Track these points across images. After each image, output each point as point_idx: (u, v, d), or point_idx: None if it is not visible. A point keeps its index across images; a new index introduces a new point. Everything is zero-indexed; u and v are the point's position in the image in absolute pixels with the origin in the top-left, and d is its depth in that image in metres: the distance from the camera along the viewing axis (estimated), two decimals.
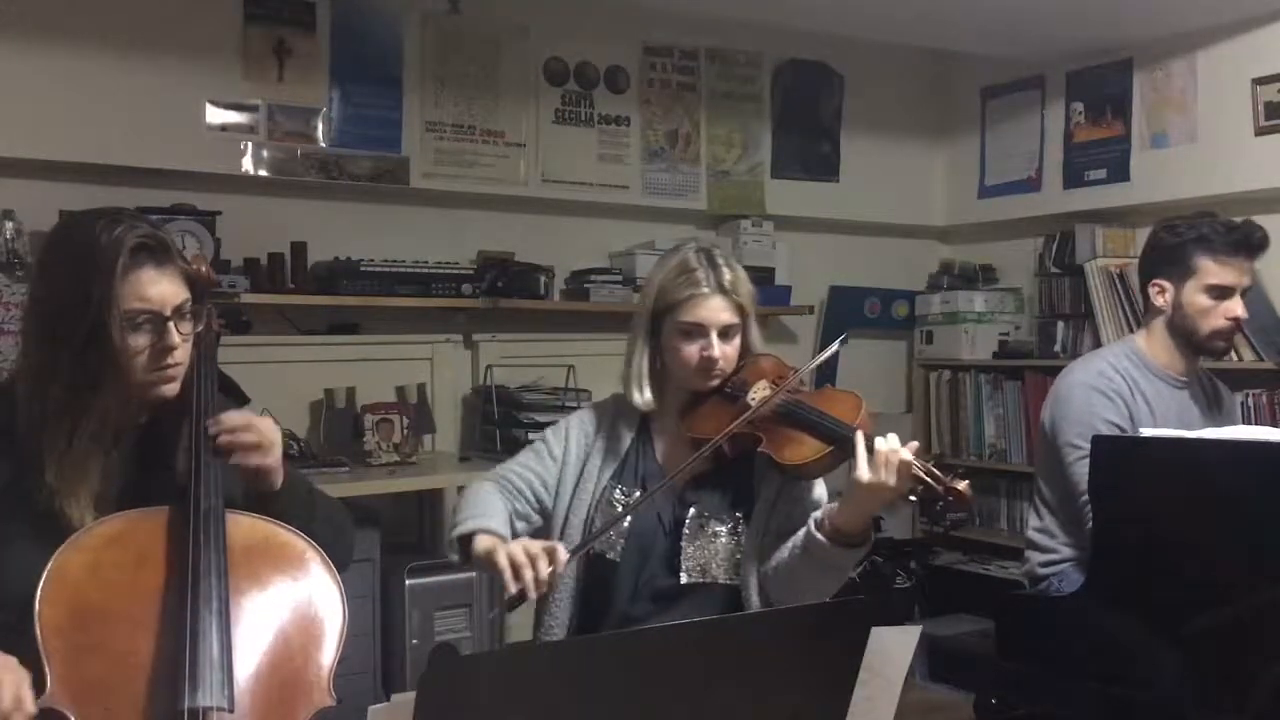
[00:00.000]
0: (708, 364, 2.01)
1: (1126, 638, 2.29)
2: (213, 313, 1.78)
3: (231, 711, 1.44)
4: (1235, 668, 2.13)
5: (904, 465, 1.79)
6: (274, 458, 1.70)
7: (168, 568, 1.56)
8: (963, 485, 1.79)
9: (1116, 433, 2.53)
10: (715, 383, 2.04)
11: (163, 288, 1.63)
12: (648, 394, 2.09)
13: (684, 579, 1.99)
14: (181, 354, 1.67)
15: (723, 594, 1.99)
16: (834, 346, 2.11)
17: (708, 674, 1.18)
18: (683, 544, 2.00)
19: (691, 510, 2.02)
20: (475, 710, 1.06)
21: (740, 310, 2.04)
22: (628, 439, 2.13)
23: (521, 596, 1.82)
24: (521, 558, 1.82)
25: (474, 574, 3.52)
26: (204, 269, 1.79)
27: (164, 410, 1.71)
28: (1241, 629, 2.13)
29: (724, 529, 2.01)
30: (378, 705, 1.08)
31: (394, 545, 3.55)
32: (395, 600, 3.41)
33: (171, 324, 1.63)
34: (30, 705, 1.39)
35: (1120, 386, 2.62)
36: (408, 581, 3.40)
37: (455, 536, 2.00)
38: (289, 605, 1.60)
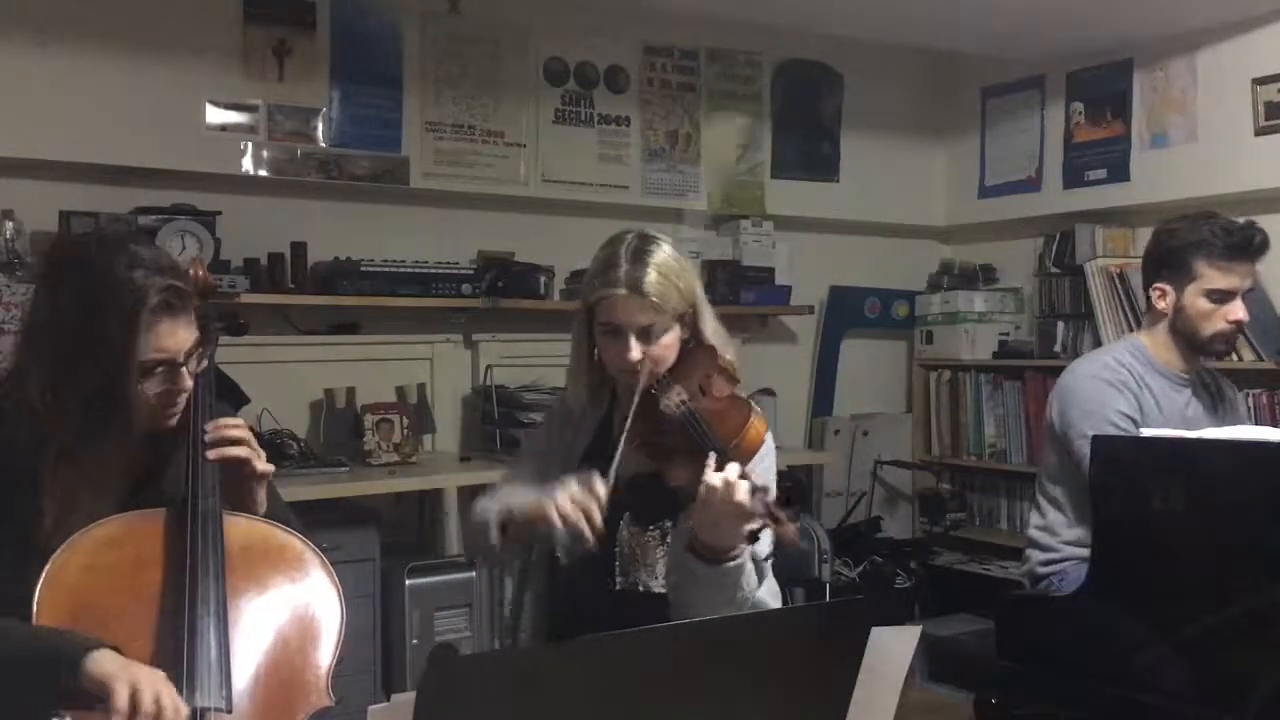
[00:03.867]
0: (627, 365, 1.93)
1: (1126, 637, 2.29)
2: (209, 319, 1.76)
3: (229, 712, 1.45)
4: (1235, 668, 2.13)
5: (738, 501, 1.70)
6: (265, 468, 1.70)
7: (165, 569, 1.56)
8: (792, 529, 1.70)
9: (1128, 423, 2.54)
10: (645, 381, 1.94)
11: (179, 337, 1.62)
12: (582, 392, 2.05)
13: (616, 586, 1.95)
14: (187, 386, 1.67)
15: (653, 602, 1.92)
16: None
17: (707, 674, 1.18)
18: (616, 549, 1.95)
19: (626, 514, 1.95)
20: (475, 710, 1.06)
21: (661, 310, 1.91)
22: (593, 426, 2.09)
23: (584, 546, 1.78)
24: (572, 511, 1.77)
25: (474, 574, 3.52)
26: (201, 273, 1.78)
27: (161, 437, 1.71)
28: (1242, 629, 2.13)
29: (651, 537, 1.96)
30: (378, 705, 1.08)
31: (394, 545, 3.55)
32: (395, 600, 3.41)
33: (184, 369, 1.64)
34: (185, 708, 1.40)
35: (1128, 379, 2.63)
36: (408, 581, 3.40)
37: (495, 527, 1.94)
38: (287, 606, 1.60)
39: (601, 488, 1.79)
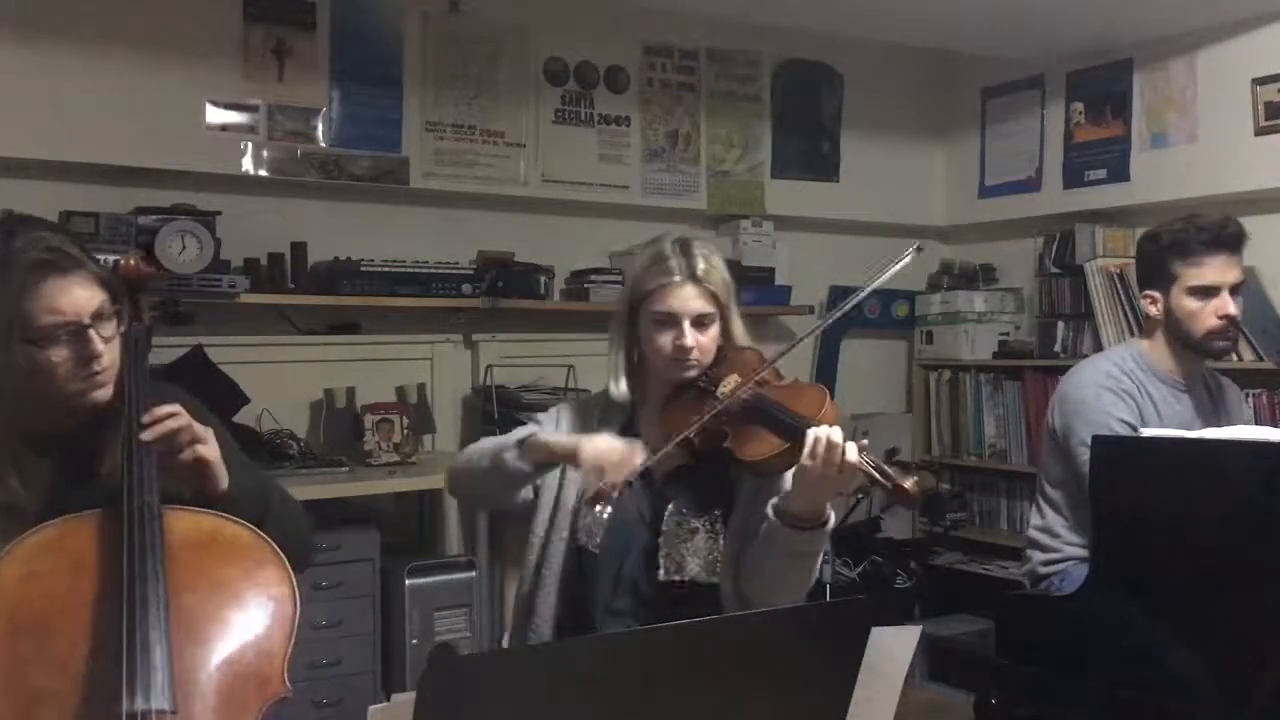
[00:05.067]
0: (681, 353, 2.00)
1: (1127, 637, 2.29)
2: (141, 307, 1.72)
3: (175, 712, 1.42)
4: (1235, 667, 2.13)
5: (844, 462, 1.78)
6: (206, 451, 1.66)
7: (104, 571, 1.53)
8: (909, 483, 1.77)
9: (1128, 431, 2.53)
10: (691, 373, 2.02)
11: (74, 296, 1.58)
12: (624, 386, 2.10)
13: (661, 575, 1.98)
14: (109, 358, 1.63)
15: (701, 593, 1.97)
16: (801, 338, 2.09)
17: (708, 674, 1.18)
18: (660, 540, 1.99)
19: (670, 506, 2.01)
20: (475, 710, 1.06)
21: (715, 299, 2.02)
22: (618, 422, 2.12)
23: (602, 497, 1.83)
24: (609, 457, 1.83)
25: (474, 574, 3.52)
26: (133, 262, 1.74)
27: (96, 417, 1.67)
28: (1242, 628, 2.13)
29: (701, 526, 2.00)
30: (377, 705, 1.08)
31: (394, 545, 3.55)
32: (395, 600, 3.41)
33: (92, 331, 1.60)
34: None
35: (1129, 386, 2.63)
36: (408, 581, 3.40)
37: (515, 441, 1.98)
38: (235, 598, 1.58)
39: (641, 455, 1.85)
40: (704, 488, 2.02)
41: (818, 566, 1.95)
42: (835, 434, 1.79)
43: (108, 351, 1.63)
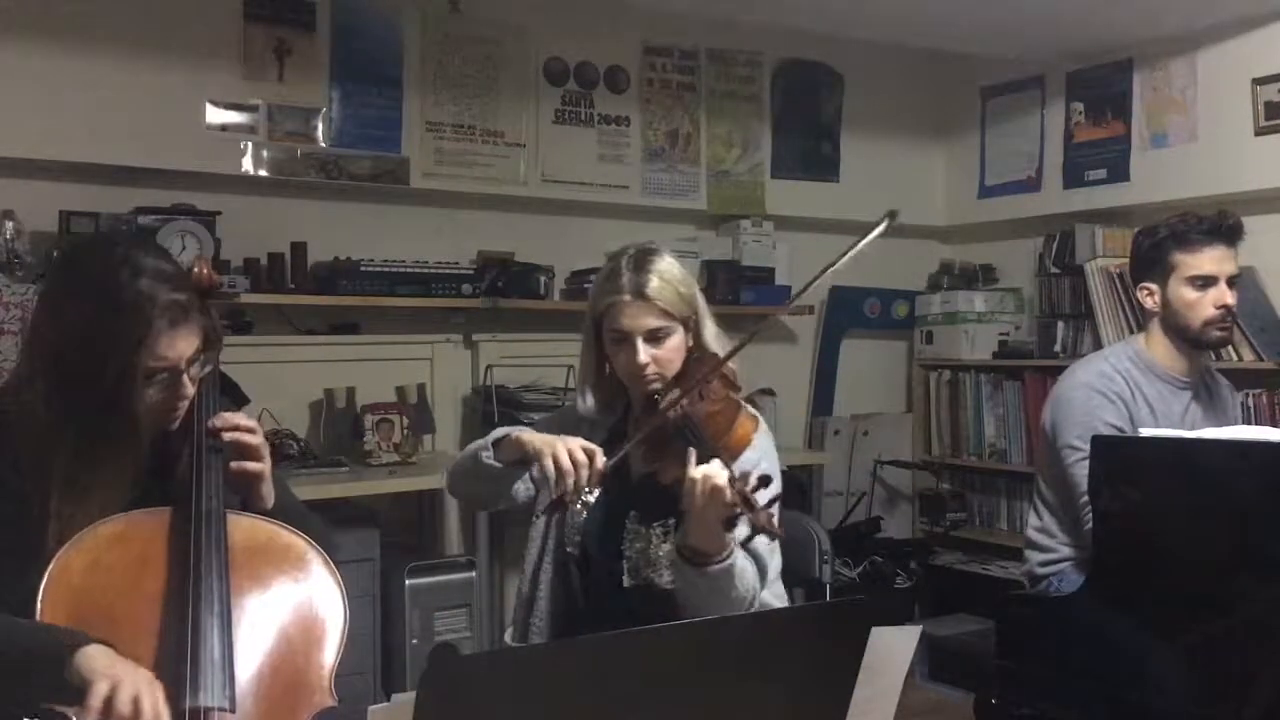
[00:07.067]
0: (636, 369, 2.00)
1: (1126, 638, 2.29)
2: (214, 317, 1.76)
3: (233, 712, 1.45)
4: (1234, 668, 2.13)
5: (716, 490, 1.73)
6: (266, 466, 1.72)
7: (169, 568, 1.56)
8: (764, 515, 1.69)
9: (1115, 434, 2.53)
10: (654, 386, 2.01)
11: (180, 347, 1.62)
12: (590, 401, 2.12)
13: (625, 581, 1.98)
14: (190, 395, 1.67)
15: (664, 597, 1.94)
16: (742, 342, 1.99)
17: (707, 674, 1.18)
18: (623, 546, 2.00)
19: (632, 512, 2.01)
20: (475, 710, 1.06)
21: (666, 314, 2.00)
22: (599, 440, 2.12)
23: (562, 501, 1.85)
24: (566, 463, 1.84)
25: (474, 574, 3.52)
26: (205, 271, 1.80)
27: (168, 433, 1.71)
28: (1241, 629, 2.13)
29: (658, 533, 1.98)
30: (378, 705, 1.09)
31: (394, 545, 3.56)
32: (395, 600, 3.41)
33: (185, 375, 1.64)
34: (166, 715, 1.39)
35: (1121, 388, 2.62)
36: (408, 581, 3.41)
37: (491, 440, 2.01)
38: (290, 606, 1.61)
39: (601, 460, 1.87)
40: (658, 498, 1.98)
41: (739, 599, 1.88)
42: (707, 468, 1.74)
43: (192, 390, 1.67)
